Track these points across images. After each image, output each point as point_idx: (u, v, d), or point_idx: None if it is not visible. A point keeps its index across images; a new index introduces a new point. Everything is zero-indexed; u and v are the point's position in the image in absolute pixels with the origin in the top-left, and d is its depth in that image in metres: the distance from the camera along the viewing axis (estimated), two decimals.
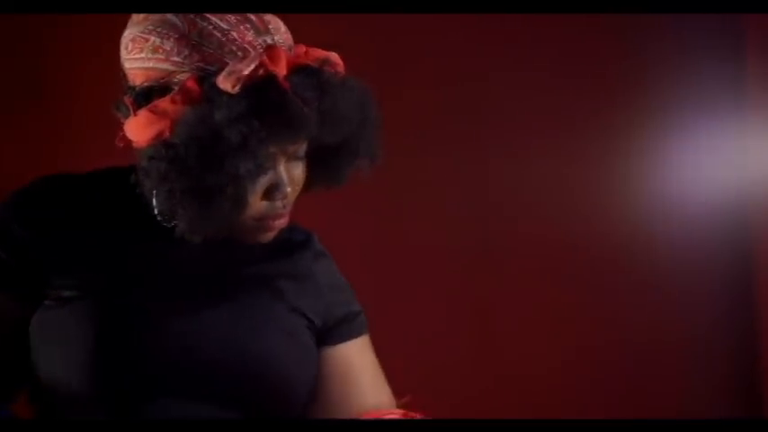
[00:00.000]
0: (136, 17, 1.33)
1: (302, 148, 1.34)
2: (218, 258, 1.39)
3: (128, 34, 1.32)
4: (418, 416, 1.44)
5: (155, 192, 1.31)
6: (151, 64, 1.28)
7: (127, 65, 1.32)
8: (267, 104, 1.25)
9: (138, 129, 1.28)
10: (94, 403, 1.31)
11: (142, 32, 1.30)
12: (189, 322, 1.34)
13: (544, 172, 2.67)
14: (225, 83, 1.24)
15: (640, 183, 2.66)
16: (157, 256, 1.37)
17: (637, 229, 2.66)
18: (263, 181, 1.32)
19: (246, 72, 1.24)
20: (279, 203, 1.33)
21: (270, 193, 1.33)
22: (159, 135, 1.26)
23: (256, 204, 1.32)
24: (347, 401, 1.44)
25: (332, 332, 1.46)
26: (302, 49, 1.30)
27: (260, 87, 1.25)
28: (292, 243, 1.46)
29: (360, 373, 1.46)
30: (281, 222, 1.36)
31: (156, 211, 1.35)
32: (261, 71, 1.25)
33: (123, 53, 1.33)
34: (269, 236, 1.37)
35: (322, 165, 1.39)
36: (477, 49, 2.68)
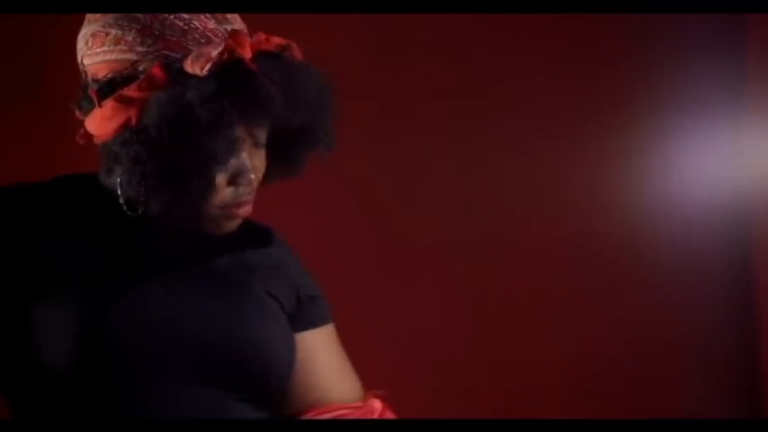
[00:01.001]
0: (92, 15, 1.35)
1: (263, 135, 1.37)
2: (191, 249, 1.41)
3: (87, 31, 1.35)
4: (378, 409, 1.45)
5: (124, 179, 1.32)
6: (114, 56, 1.31)
7: (87, 60, 1.34)
8: (236, 85, 1.28)
9: (104, 120, 1.30)
10: (80, 397, 1.32)
11: (102, 27, 1.32)
12: (171, 310, 1.35)
13: (546, 170, 2.67)
14: (193, 66, 1.27)
15: (641, 182, 2.67)
16: (130, 251, 1.39)
17: (638, 228, 2.66)
18: (229, 168, 1.34)
19: (214, 55, 1.27)
20: (243, 190, 1.36)
21: (235, 179, 1.35)
22: (126, 123, 1.29)
23: (222, 191, 1.34)
24: (308, 391, 1.46)
25: (299, 319, 1.47)
26: (263, 35, 1.33)
27: (227, 69, 1.28)
28: (255, 235, 1.48)
29: (323, 362, 1.48)
30: (246, 210, 1.38)
31: (122, 200, 1.36)
32: (227, 55, 1.28)
33: (83, 49, 1.34)
34: (233, 225, 1.39)
35: (281, 154, 1.42)
36: (482, 50, 2.68)
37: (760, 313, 2.60)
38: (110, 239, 1.38)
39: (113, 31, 1.31)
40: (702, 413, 2.57)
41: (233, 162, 1.34)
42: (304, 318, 1.47)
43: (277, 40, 1.34)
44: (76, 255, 1.37)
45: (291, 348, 1.43)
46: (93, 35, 1.33)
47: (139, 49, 1.30)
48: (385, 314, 2.53)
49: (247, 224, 1.46)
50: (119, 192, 1.35)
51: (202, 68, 1.27)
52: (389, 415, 1.49)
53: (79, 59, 1.36)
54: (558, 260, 2.67)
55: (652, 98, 2.65)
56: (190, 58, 1.28)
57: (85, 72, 1.35)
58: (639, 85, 2.66)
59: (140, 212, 1.35)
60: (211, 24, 1.32)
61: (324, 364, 1.48)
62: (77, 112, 1.36)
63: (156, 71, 1.28)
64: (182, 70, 1.28)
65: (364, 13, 2.43)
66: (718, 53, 2.64)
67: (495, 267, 2.69)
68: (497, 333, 2.68)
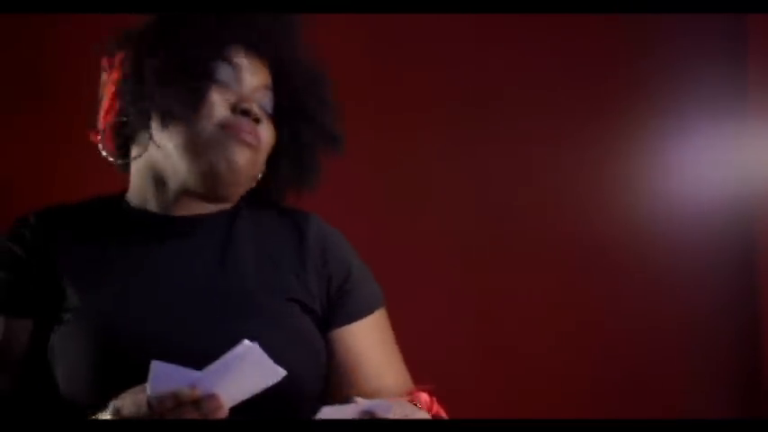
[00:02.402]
0: None
1: (268, 99, 1.45)
2: (215, 257, 1.42)
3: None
4: (426, 402, 1.43)
5: (146, 99, 1.41)
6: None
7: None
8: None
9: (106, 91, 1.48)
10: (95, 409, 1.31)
11: None
12: (188, 330, 1.36)
13: (550, 170, 2.67)
14: None
15: (643, 183, 2.66)
16: (156, 264, 1.41)
17: (640, 229, 2.65)
18: (231, 96, 1.42)
19: None
20: (244, 118, 1.42)
21: (236, 106, 1.42)
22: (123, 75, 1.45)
23: (222, 109, 1.42)
24: (350, 388, 1.45)
25: (333, 315, 1.46)
26: None
27: None
28: (291, 226, 1.48)
29: (363, 356, 1.47)
30: (251, 138, 1.42)
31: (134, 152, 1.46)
32: None
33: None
34: (241, 153, 1.42)
35: (290, 142, 1.47)
36: (482, 51, 2.68)
37: (763, 314, 2.60)
38: (136, 255, 1.41)
39: None
40: (706, 413, 2.56)
41: (234, 91, 1.42)
42: (339, 313, 1.47)
43: None
44: (104, 270, 1.40)
45: (314, 357, 1.42)
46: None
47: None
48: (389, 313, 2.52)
49: (286, 211, 1.49)
50: (147, 160, 1.45)
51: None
52: (437, 408, 1.46)
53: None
54: (560, 261, 2.67)
55: (654, 99, 2.64)
56: None
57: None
58: (641, 86, 2.65)
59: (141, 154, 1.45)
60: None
61: (364, 358, 1.47)
62: (97, 135, 1.52)
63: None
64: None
65: (361, 13, 2.42)
66: (719, 54, 2.63)
67: (496, 268, 2.68)
68: (499, 333, 2.68)
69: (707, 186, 2.64)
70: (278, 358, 1.32)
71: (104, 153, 1.49)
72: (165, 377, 1.20)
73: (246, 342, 1.22)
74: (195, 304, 1.38)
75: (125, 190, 1.51)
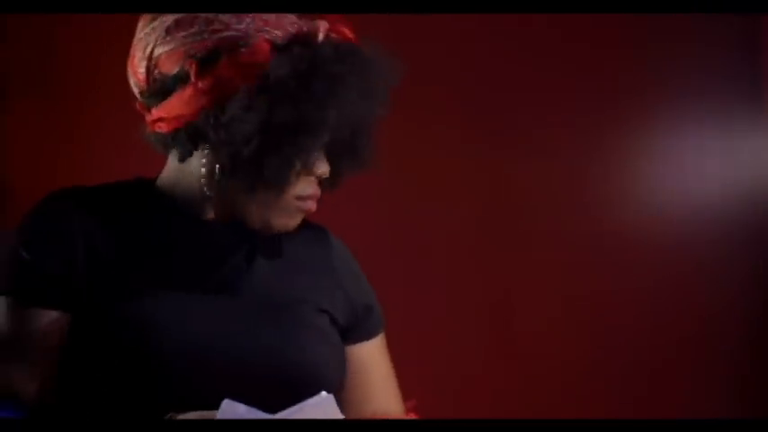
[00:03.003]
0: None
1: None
2: (247, 259, 1.40)
3: (161, 21, 1.37)
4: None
5: (238, 143, 1.33)
6: (207, 36, 1.34)
7: (165, 48, 1.35)
8: (346, 54, 1.35)
9: (198, 95, 1.33)
10: (122, 407, 1.30)
11: (185, 14, 1.36)
12: (221, 326, 1.34)
13: (563, 169, 2.66)
14: (313, 35, 1.35)
15: (655, 182, 2.65)
16: (187, 261, 1.38)
17: (653, 227, 2.64)
18: (313, 154, 1.37)
19: (327, 26, 1.36)
20: (314, 182, 1.38)
21: (316, 168, 1.38)
22: (227, 93, 1.32)
23: (304, 178, 1.37)
24: (363, 404, 1.44)
25: (353, 331, 1.46)
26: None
27: (338, 42, 1.36)
28: (313, 238, 1.47)
29: (374, 375, 1.47)
30: (313, 205, 1.39)
31: (203, 173, 1.37)
32: (330, 32, 1.36)
33: (160, 38, 1.36)
34: (298, 220, 1.40)
35: (336, 157, 1.42)
36: (493, 50, 2.67)
37: None
38: (166, 249, 1.38)
39: (203, 15, 1.35)
40: (716, 413, 2.55)
41: (317, 146, 1.37)
42: (360, 329, 1.46)
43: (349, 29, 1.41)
44: (133, 264, 1.36)
45: (341, 368, 1.41)
46: (178, 21, 1.35)
47: (239, 26, 1.34)
48: (400, 313, 2.52)
49: (305, 225, 1.45)
50: (202, 166, 1.37)
51: (319, 36, 1.34)
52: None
53: (145, 54, 1.37)
54: (572, 261, 2.66)
55: (668, 98, 2.64)
56: (306, 27, 1.35)
57: (156, 62, 1.36)
58: (655, 86, 2.64)
59: (215, 193, 1.37)
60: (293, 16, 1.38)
61: (379, 375, 1.47)
62: (142, 106, 1.39)
63: (263, 43, 1.33)
64: (287, 45, 1.34)
65: (371, 13, 2.42)
66: (733, 53, 2.62)
67: (507, 268, 2.68)
68: (509, 332, 2.67)
69: (718, 186, 2.63)
70: (319, 369, 1.35)
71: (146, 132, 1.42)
72: (233, 416, 1.17)
73: (324, 393, 1.21)
74: (231, 306, 1.36)
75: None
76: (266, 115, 1.30)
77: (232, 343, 1.33)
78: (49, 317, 1.33)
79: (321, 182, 1.41)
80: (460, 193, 2.68)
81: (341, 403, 1.41)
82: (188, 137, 1.36)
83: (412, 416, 1.44)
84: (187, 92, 1.33)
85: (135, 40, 1.39)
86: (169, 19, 1.35)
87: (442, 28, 2.62)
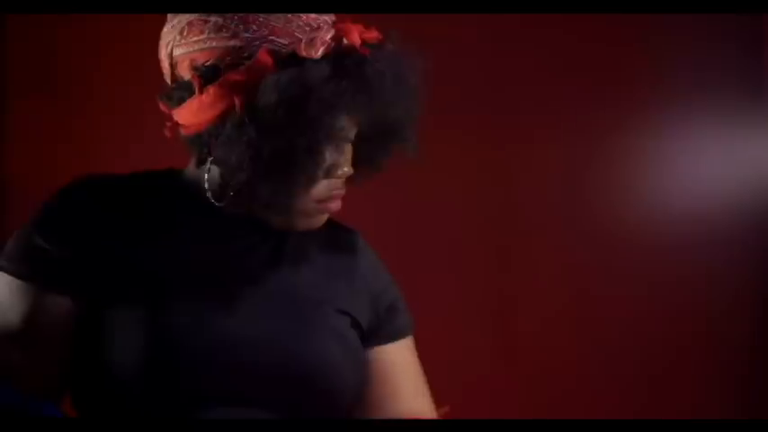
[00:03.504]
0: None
1: (353, 131, 1.36)
2: (264, 254, 1.38)
3: (179, 21, 1.34)
4: None
5: (225, 163, 1.30)
6: (216, 43, 1.30)
7: (181, 50, 1.32)
8: (349, 69, 1.28)
9: (204, 107, 1.29)
10: (135, 405, 1.29)
11: (199, 16, 1.32)
12: (236, 323, 1.32)
13: (567, 170, 2.66)
14: (308, 50, 1.27)
15: (657, 182, 2.65)
16: (207, 255, 1.36)
17: (656, 228, 2.64)
18: (328, 158, 1.33)
19: (328, 38, 1.28)
20: (336, 183, 1.35)
21: (332, 170, 1.34)
22: (228, 109, 1.28)
23: (320, 183, 1.33)
24: (385, 407, 1.42)
25: (376, 333, 1.43)
26: (362, 26, 1.34)
27: (340, 55, 1.29)
28: (339, 240, 1.46)
29: (400, 377, 1.44)
30: (337, 205, 1.37)
31: (207, 187, 1.35)
32: (337, 41, 1.29)
33: (175, 39, 1.33)
34: (321, 220, 1.37)
35: (367, 152, 1.40)
36: (492, 51, 2.67)
37: None
38: (186, 240, 1.36)
39: (213, 18, 1.31)
40: (718, 414, 2.55)
41: (331, 152, 1.33)
42: (383, 331, 1.44)
43: (375, 32, 1.34)
44: (152, 254, 1.34)
45: (356, 369, 1.38)
46: (191, 24, 1.32)
47: (245, 35, 1.29)
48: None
49: (333, 225, 1.44)
50: (206, 180, 1.34)
51: (317, 52, 1.27)
52: None
53: (167, 51, 1.34)
54: (572, 260, 2.66)
55: (670, 99, 2.63)
56: (303, 42, 1.28)
57: (175, 63, 1.33)
58: (658, 87, 2.64)
59: (224, 203, 1.34)
60: (312, 14, 1.32)
61: (404, 377, 1.44)
62: (164, 106, 1.35)
63: (264, 56, 1.27)
64: (292, 55, 1.28)
65: (377, 14, 2.42)
66: (735, 53, 2.62)
67: (509, 267, 2.68)
68: (512, 331, 2.67)
69: (721, 186, 2.63)
70: (328, 364, 1.32)
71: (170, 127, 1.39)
72: None
73: None
74: (248, 301, 1.34)
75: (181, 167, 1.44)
76: (255, 140, 1.27)
77: (243, 336, 1.31)
78: (52, 301, 1.32)
79: (353, 176, 1.39)
80: (461, 194, 2.67)
81: (366, 405, 1.42)
82: (200, 146, 1.33)
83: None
84: (195, 102, 1.30)
85: (162, 33, 1.37)
86: (184, 20, 1.33)
87: (443, 27, 2.62)
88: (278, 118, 1.26)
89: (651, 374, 2.65)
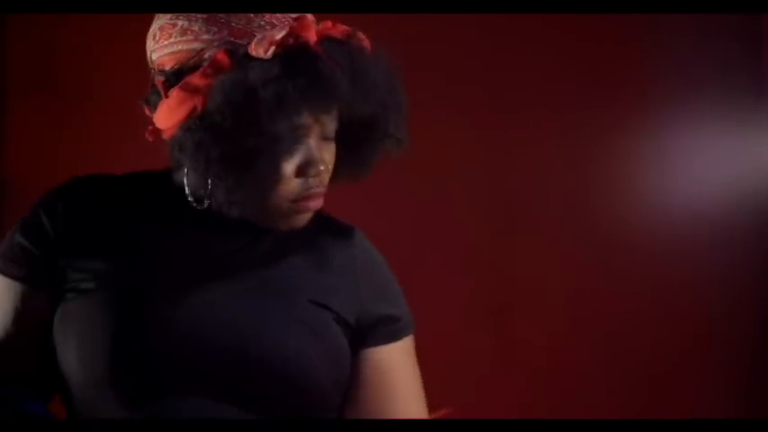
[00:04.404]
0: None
1: (332, 127, 1.34)
2: (246, 251, 1.38)
3: (155, 27, 1.34)
4: None
5: (189, 167, 1.30)
6: (180, 46, 1.30)
7: (155, 55, 1.32)
8: (300, 67, 1.25)
9: (170, 110, 1.28)
10: (106, 398, 1.29)
11: (170, 20, 1.31)
12: (204, 316, 1.32)
13: (569, 169, 2.66)
14: (257, 49, 1.25)
15: (659, 181, 2.65)
16: (187, 254, 1.36)
17: (657, 227, 2.64)
18: (297, 157, 1.31)
19: (278, 38, 1.26)
20: (312, 181, 1.32)
21: (303, 169, 1.32)
22: (192, 112, 1.26)
23: (291, 182, 1.31)
24: (377, 410, 1.41)
25: (368, 334, 1.42)
26: (329, 22, 1.31)
27: (292, 53, 1.26)
28: (334, 237, 1.44)
29: (394, 380, 1.42)
30: (316, 204, 1.35)
31: (188, 191, 1.34)
32: (291, 39, 1.26)
33: (151, 45, 1.33)
34: (303, 218, 1.36)
35: (351, 149, 1.38)
36: (494, 49, 2.67)
37: None
38: (162, 235, 1.37)
39: (180, 23, 1.30)
40: (720, 414, 2.55)
41: (300, 151, 1.31)
42: (377, 333, 1.42)
43: (343, 27, 1.31)
44: (122, 249, 1.35)
45: (334, 364, 1.37)
46: (161, 28, 1.32)
47: (205, 37, 1.28)
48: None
49: (330, 222, 1.44)
50: (185, 185, 1.34)
51: (266, 51, 1.25)
52: None
53: (148, 56, 1.34)
54: (573, 260, 2.66)
55: (672, 98, 2.64)
56: (254, 42, 1.26)
57: (154, 68, 1.33)
58: (660, 86, 2.64)
59: (207, 206, 1.33)
60: (278, 14, 1.31)
61: (396, 381, 1.43)
62: (147, 110, 1.35)
63: (221, 57, 1.26)
64: (246, 55, 1.26)
65: (377, 14, 2.42)
66: (734, 52, 2.62)
67: (510, 268, 2.68)
68: (513, 332, 2.67)
69: (721, 185, 2.63)
70: (288, 352, 1.31)
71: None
72: None
73: None
74: (216, 291, 1.34)
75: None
76: (205, 143, 1.26)
77: (213, 328, 1.30)
78: (36, 297, 1.35)
79: (336, 176, 1.38)
80: (461, 194, 2.68)
81: (356, 406, 1.41)
82: (171, 150, 1.32)
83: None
84: (164, 106, 1.30)
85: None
86: (157, 25, 1.33)
87: (445, 26, 2.62)
88: (224, 121, 1.24)
89: (651, 374, 2.65)
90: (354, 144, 1.38)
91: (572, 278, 2.66)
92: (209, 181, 1.28)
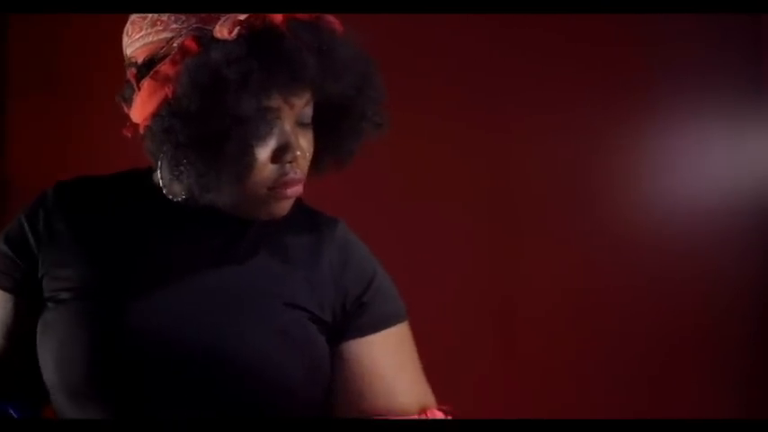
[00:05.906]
0: None
1: (308, 112, 1.33)
2: (223, 252, 1.37)
3: (127, 23, 1.33)
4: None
5: (162, 156, 1.29)
6: (151, 38, 1.29)
7: (129, 50, 1.32)
8: (265, 46, 1.24)
9: (143, 102, 1.28)
10: (85, 407, 1.30)
11: (139, 14, 1.31)
12: (180, 324, 1.31)
13: (565, 168, 2.66)
14: (222, 30, 1.24)
15: (660, 180, 2.65)
16: (164, 252, 1.36)
17: (658, 226, 2.64)
18: (271, 142, 1.30)
19: (242, 17, 1.25)
20: (288, 167, 1.31)
21: (278, 155, 1.31)
22: (164, 101, 1.26)
23: (266, 168, 1.30)
24: (360, 402, 1.40)
25: (346, 327, 1.40)
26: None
27: (257, 33, 1.25)
28: (312, 229, 1.42)
29: (374, 371, 1.41)
30: (294, 191, 1.33)
31: (162, 184, 1.33)
32: (257, 20, 1.25)
33: (125, 41, 1.33)
34: (283, 207, 1.35)
35: (328, 135, 1.37)
36: (498, 49, 2.67)
37: None
38: (149, 242, 1.36)
39: (150, 15, 1.30)
40: (720, 414, 2.55)
41: (274, 135, 1.30)
42: (350, 326, 1.40)
43: (310, 14, 1.30)
44: (114, 258, 1.35)
45: (305, 366, 1.35)
46: (132, 23, 1.32)
47: (174, 26, 1.28)
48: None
49: (311, 214, 1.42)
50: (159, 177, 1.33)
51: (230, 32, 1.24)
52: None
53: (124, 53, 1.34)
54: (573, 259, 2.66)
55: (672, 97, 2.64)
56: (218, 23, 1.25)
57: (128, 63, 1.33)
58: (657, 84, 2.64)
59: (183, 198, 1.32)
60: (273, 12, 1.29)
61: (376, 373, 1.41)
62: (124, 107, 1.34)
63: (189, 42, 1.25)
64: (213, 37, 1.25)
65: (376, 13, 2.42)
66: (734, 53, 2.62)
67: (510, 266, 2.68)
68: (512, 330, 2.67)
69: (721, 184, 2.63)
70: (263, 361, 1.30)
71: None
72: None
73: None
74: (192, 297, 1.33)
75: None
76: (174, 128, 1.25)
77: (189, 335, 1.30)
78: (8, 300, 1.37)
79: (318, 164, 1.37)
80: (461, 193, 2.68)
81: (336, 401, 1.39)
82: (145, 142, 1.32)
83: (440, 416, 1.41)
84: (137, 99, 1.29)
85: None
86: (130, 20, 1.33)
87: (445, 25, 2.62)
88: (191, 104, 1.23)
89: (652, 374, 2.65)
90: (332, 129, 1.37)
91: (572, 278, 2.66)
92: (181, 168, 1.27)
